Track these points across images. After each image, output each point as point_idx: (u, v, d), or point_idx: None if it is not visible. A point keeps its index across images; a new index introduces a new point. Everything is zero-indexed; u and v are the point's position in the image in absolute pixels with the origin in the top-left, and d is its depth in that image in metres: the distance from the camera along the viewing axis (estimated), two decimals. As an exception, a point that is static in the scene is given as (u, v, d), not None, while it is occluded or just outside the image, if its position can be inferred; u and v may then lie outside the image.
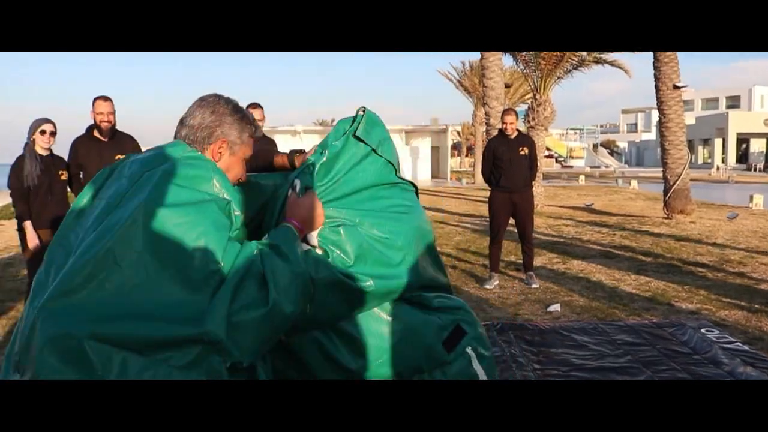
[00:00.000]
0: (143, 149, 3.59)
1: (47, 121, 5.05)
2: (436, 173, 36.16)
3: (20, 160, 5.00)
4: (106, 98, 5.27)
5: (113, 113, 5.27)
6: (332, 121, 69.36)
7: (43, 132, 4.99)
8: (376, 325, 2.15)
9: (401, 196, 2.33)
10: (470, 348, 2.25)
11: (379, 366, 2.13)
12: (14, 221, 5.18)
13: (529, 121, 15.84)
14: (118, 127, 5.38)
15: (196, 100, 2.00)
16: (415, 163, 34.22)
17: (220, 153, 1.97)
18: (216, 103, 1.99)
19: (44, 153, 5.04)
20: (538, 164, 7.27)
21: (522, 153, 6.62)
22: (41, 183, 4.97)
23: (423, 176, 34.47)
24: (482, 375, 2.25)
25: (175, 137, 1.99)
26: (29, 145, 5.00)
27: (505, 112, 6.73)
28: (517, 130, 6.72)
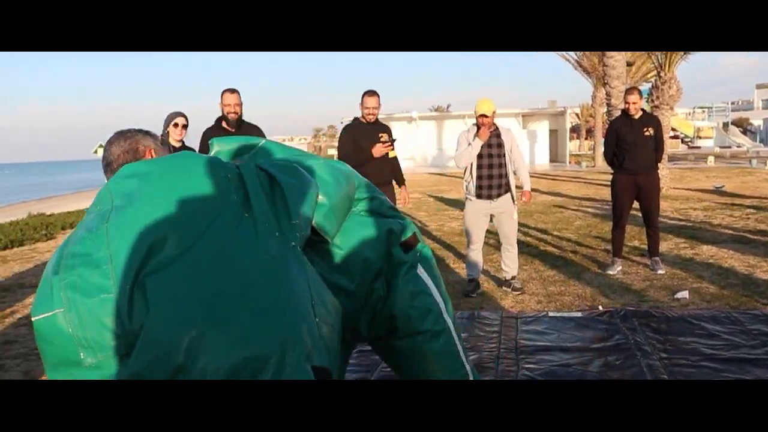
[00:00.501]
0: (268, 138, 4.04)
1: (180, 114, 5.33)
2: (555, 157, 35.27)
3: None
4: (233, 90, 5.50)
5: (240, 105, 5.49)
6: (447, 107, 69.12)
7: (176, 125, 5.28)
8: (352, 234, 2.32)
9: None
10: (420, 253, 2.46)
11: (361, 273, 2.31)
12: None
13: (653, 100, 15.10)
14: (245, 118, 5.62)
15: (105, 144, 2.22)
16: (532, 147, 33.53)
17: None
18: (121, 133, 2.21)
19: (177, 144, 5.31)
20: (664, 145, 6.92)
21: (647, 134, 6.33)
22: None
23: (541, 160, 33.77)
24: (425, 276, 2.43)
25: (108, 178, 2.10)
26: (163, 137, 5.31)
27: (628, 91, 6.46)
28: (642, 109, 6.44)
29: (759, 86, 70.99)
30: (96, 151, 15.26)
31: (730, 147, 46.43)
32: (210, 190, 1.82)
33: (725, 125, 59.84)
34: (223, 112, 5.47)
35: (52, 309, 1.64)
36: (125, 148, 2.17)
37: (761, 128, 61.49)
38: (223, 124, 5.51)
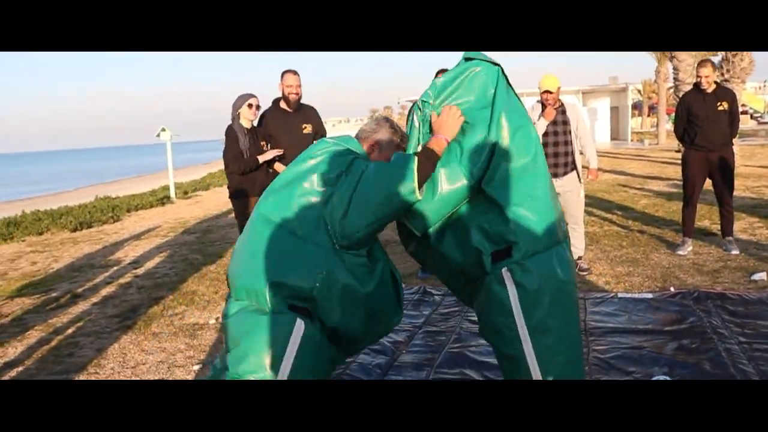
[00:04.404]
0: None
1: (252, 95, 5.34)
2: (616, 135, 34.36)
3: (232, 131, 5.27)
4: (294, 72, 5.50)
5: (300, 86, 5.50)
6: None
7: (250, 105, 5.28)
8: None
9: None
10: (506, 269, 2.43)
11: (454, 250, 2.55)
12: (211, 192, 5.55)
13: (722, 74, 14.45)
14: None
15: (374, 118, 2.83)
16: (592, 124, 32.68)
17: (373, 149, 2.69)
18: (380, 120, 2.79)
19: (248, 126, 5.33)
20: (738, 121, 6.58)
21: (721, 108, 6.05)
22: (252, 155, 5.25)
23: (602, 138, 32.92)
24: (512, 297, 2.42)
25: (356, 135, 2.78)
26: (235, 119, 5.31)
27: (701, 64, 6.17)
28: (715, 83, 6.15)
29: (834, 58, 67.40)
30: (159, 135, 15.53)
31: (803, 122, 44.36)
32: None
33: (798, 100, 57.11)
34: (284, 93, 5.48)
35: None
36: (368, 129, 2.76)
37: (837, 102, 58.49)
38: (282, 104, 5.53)
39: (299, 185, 2.45)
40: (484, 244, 2.46)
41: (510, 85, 2.64)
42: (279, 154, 5.32)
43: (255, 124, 5.42)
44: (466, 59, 2.65)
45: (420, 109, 2.66)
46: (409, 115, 2.73)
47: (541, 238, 2.49)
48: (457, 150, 2.49)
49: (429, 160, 2.41)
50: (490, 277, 2.46)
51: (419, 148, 2.50)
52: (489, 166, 2.47)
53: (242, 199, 5.27)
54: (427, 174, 2.40)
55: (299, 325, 2.29)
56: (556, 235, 2.55)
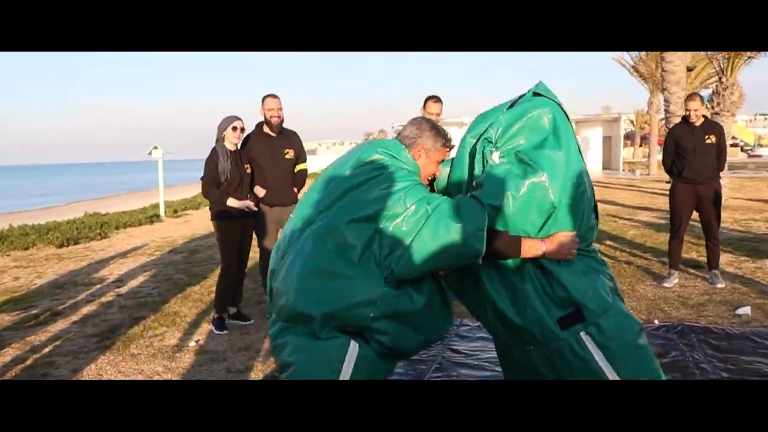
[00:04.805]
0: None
1: (237, 118, 5.32)
2: (608, 164, 34.57)
3: (214, 154, 5.23)
4: (274, 96, 5.52)
5: (281, 109, 5.52)
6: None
7: (234, 128, 5.26)
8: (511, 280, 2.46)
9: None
10: (585, 334, 2.37)
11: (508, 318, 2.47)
12: (201, 211, 5.55)
13: (713, 107, 14.56)
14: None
15: (410, 120, 2.74)
16: (585, 153, 32.88)
17: (419, 155, 2.61)
18: (420, 122, 2.69)
19: (232, 149, 5.30)
20: (726, 154, 6.60)
21: (708, 141, 6.08)
22: (233, 177, 5.23)
23: (593, 168, 33.13)
24: (600, 361, 2.35)
25: (398, 139, 2.69)
26: (220, 141, 5.28)
27: (689, 97, 6.21)
28: (703, 116, 6.19)
29: (825, 94, 68.21)
30: (151, 153, 15.50)
31: (792, 156, 44.74)
32: None
33: (788, 134, 57.67)
34: (266, 117, 5.50)
35: None
36: (411, 135, 2.64)
37: (826, 137, 59.06)
38: (265, 129, 5.55)
39: (362, 204, 2.32)
40: (549, 308, 2.39)
41: (570, 125, 2.55)
42: (253, 209, 5.29)
43: (239, 146, 5.40)
44: (534, 94, 2.56)
45: (478, 151, 2.53)
46: (466, 147, 2.61)
47: (606, 293, 2.45)
48: (516, 198, 2.37)
49: (510, 246, 2.35)
50: (563, 344, 2.39)
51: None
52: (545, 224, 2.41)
53: (223, 221, 5.24)
54: (499, 253, 2.34)
55: (353, 347, 2.27)
56: (615, 287, 2.55)
